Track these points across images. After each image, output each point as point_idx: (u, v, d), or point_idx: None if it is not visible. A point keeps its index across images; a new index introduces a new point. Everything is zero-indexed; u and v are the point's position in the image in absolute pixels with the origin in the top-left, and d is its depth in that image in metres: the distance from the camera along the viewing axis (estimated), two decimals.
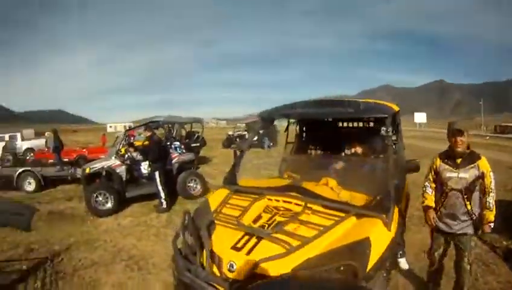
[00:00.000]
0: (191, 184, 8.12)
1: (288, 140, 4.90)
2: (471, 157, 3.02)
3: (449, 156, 3.10)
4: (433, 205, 3.19)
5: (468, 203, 2.98)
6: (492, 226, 2.98)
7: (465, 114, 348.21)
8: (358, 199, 2.87)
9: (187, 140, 13.57)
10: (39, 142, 20.34)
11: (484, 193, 3.00)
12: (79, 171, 10.14)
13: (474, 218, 3.00)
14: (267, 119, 3.97)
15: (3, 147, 16.18)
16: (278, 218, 2.59)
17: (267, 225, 2.53)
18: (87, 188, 7.23)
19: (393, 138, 3.42)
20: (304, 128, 4.97)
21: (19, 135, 20.21)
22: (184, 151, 9.40)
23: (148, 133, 7.64)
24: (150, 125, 8.48)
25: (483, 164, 2.98)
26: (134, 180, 7.79)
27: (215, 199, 3.18)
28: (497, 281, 3.75)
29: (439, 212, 3.14)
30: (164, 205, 7.06)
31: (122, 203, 7.18)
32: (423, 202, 3.28)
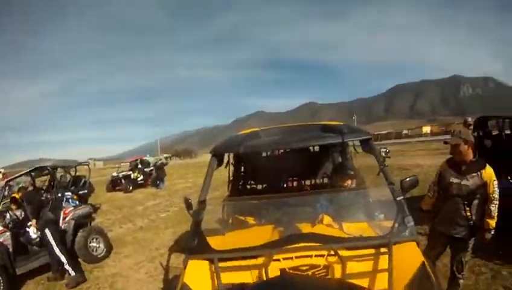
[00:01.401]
0: (93, 244, 6.84)
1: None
2: (475, 166, 3.11)
3: (455, 163, 3.20)
4: (429, 208, 3.48)
5: (467, 209, 3.10)
6: (492, 233, 3.10)
7: None
8: (366, 228, 2.52)
9: (73, 187, 11.72)
10: None
11: (486, 200, 3.07)
12: None
13: (472, 224, 3.10)
14: (221, 154, 2.94)
15: None
16: None
17: None
18: None
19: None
20: (244, 161, 4.51)
21: None
22: (78, 202, 7.94)
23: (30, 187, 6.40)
24: (31, 173, 7.02)
25: (487, 173, 3.06)
26: (23, 250, 6.08)
27: (196, 279, 2.19)
28: None
29: (439, 215, 3.32)
30: (72, 272, 5.56)
31: (13, 285, 5.47)
32: (421, 204, 3.54)
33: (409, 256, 2.12)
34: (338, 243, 2.18)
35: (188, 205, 2.69)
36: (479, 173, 3.08)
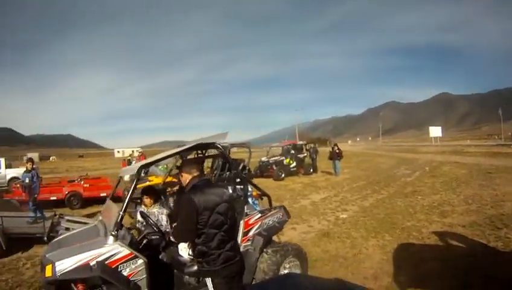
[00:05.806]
0: (285, 271, 3.68)
1: None
2: None
3: None
4: None
5: None
6: None
7: (471, 124, 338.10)
8: None
9: (228, 173, 9.41)
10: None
11: None
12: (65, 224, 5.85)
13: None
14: None
15: None
16: None
17: None
18: None
19: None
20: None
21: (2, 161, 15.53)
22: (257, 202, 4.73)
23: (195, 173, 2.70)
24: (183, 155, 4.23)
25: None
26: (170, 285, 3.19)
27: None
28: None
29: None
30: None
31: None
32: None
33: None
34: None
35: None
36: None
